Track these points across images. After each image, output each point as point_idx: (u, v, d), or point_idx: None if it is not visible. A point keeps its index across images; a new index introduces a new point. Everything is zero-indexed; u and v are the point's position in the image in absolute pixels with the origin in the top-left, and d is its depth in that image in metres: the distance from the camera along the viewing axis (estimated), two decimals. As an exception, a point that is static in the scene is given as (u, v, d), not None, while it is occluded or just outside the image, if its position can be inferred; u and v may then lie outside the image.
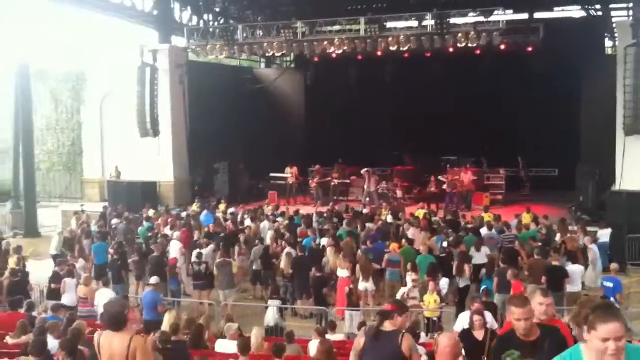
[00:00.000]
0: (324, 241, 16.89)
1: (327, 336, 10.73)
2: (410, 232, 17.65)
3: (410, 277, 14.33)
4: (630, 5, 25.69)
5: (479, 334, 8.58)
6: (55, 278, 14.53)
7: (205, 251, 16.22)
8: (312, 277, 14.91)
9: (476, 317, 8.88)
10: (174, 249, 16.82)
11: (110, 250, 16.93)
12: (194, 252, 16.24)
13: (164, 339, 9.48)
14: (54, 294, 14.14)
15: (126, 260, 16.53)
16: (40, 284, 15.27)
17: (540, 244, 16.11)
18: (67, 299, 13.88)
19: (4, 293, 14.14)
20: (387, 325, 6.50)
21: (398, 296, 12.89)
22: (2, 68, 28.66)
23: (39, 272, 16.20)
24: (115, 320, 6.28)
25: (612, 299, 13.13)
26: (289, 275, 15.68)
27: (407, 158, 28.91)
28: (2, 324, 11.32)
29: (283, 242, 17.24)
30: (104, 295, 13.15)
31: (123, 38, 29.93)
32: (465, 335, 8.65)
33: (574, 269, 14.31)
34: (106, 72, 27.11)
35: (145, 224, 20.18)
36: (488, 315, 10.12)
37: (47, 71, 31.20)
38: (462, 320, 10.30)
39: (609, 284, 13.41)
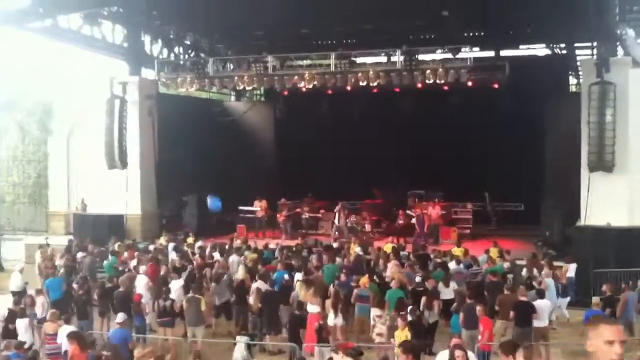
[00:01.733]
0: (298, 276, 16.80)
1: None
2: (390, 266, 17.65)
3: (373, 312, 14.32)
4: (594, 44, 26.45)
5: None
6: (12, 317, 14.16)
7: (173, 286, 16.00)
8: (289, 314, 14.75)
9: (458, 353, 8.55)
10: (141, 284, 16.57)
11: (75, 286, 16.60)
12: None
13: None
14: (10, 333, 13.68)
15: (91, 296, 16.23)
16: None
17: (496, 279, 16.24)
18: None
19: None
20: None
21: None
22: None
23: (2, 307, 15.79)
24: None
25: None
26: (257, 311, 15.53)
27: (376, 192, 29.04)
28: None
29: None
30: (66, 332, 12.87)
31: (92, 70, 29.79)
32: None
33: (541, 304, 14.43)
34: (75, 104, 26.94)
35: (110, 258, 19.87)
36: (472, 356, 9.94)
37: (14, 102, 30.82)
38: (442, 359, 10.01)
39: None
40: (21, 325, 13.81)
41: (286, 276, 16.85)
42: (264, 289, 15.82)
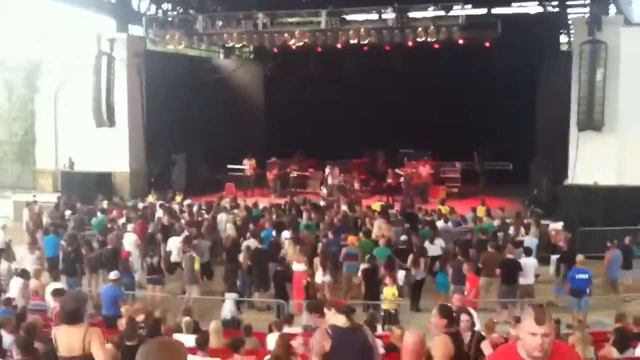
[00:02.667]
0: (285, 234, 16.85)
1: (284, 329, 10.71)
2: (377, 224, 17.72)
3: (362, 267, 14.40)
4: (586, 2, 26.19)
5: (464, 337, 7.45)
6: None
7: (171, 243, 16.05)
8: (273, 270, 14.83)
9: (464, 317, 7.69)
10: (129, 242, 16.57)
11: (63, 243, 16.59)
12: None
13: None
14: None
15: (80, 253, 16.20)
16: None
17: (485, 237, 16.35)
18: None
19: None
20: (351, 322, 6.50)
21: None
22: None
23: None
24: (72, 315, 6.24)
25: (587, 290, 13.51)
26: (247, 268, 15.61)
27: (365, 150, 29.03)
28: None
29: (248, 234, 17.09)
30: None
31: (80, 26, 29.32)
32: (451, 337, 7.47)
33: (527, 262, 14.60)
34: (62, 61, 26.58)
35: (99, 215, 19.84)
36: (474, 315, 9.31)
37: (0, 60, 30.41)
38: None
39: (584, 276, 13.74)
40: (15, 283, 13.74)
41: (274, 234, 16.91)
42: (254, 246, 15.88)
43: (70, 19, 30.49)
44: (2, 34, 30.96)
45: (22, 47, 30.49)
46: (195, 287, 15.08)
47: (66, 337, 6.36)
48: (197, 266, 15.16)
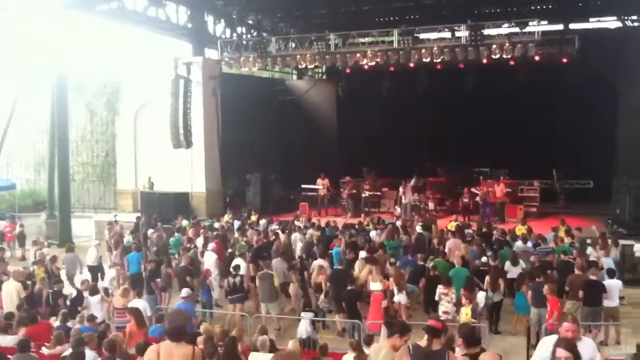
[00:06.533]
0: (361, 254, 16.77)
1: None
2: (450, 243, 17.46)
3: (439, 290, 14.15)
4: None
5: None
6: (80, 299, 14.22)
7: (242, 263, 16.21)
8: (345, 290, 14.69)
9: (561, 353, 5.81)
10: (209, 261, 16.84)
11: (143, 262, 17.00)
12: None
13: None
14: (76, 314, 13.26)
15: (159, 271, 16.54)
16: (73, 294, 15.26)
17: (569, 258, 15.83)
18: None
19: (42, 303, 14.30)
20: (435, 344, 6.38)
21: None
22: (40, 81, 29.17)
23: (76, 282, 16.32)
24: (178, 332, 6.34)
25: None
26: (317, 287, 15.57)
27: (440, 170, 28.70)
28: (38, 334, 11.40)
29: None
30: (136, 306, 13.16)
31: (158, 51, 30.28)
32: None
33: (611, 283, 14.03)
34: (141, 85, 27.46)
35: (177, 235, 20.25)
36: (588, 345, 7.00)
37: (83, 84, 31.65)
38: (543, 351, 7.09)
39: None
40: (94, 300, 14.15)
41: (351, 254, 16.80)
42: (326, 266, 15.86)
43: (149, 44, 31.48)
44: (84, 59, 32.17)
45: (103, 72, 31.66)
46: (273, 305, 15.11)
47: (170, 355, 6.40)
48: (275, 282, 15.24)
